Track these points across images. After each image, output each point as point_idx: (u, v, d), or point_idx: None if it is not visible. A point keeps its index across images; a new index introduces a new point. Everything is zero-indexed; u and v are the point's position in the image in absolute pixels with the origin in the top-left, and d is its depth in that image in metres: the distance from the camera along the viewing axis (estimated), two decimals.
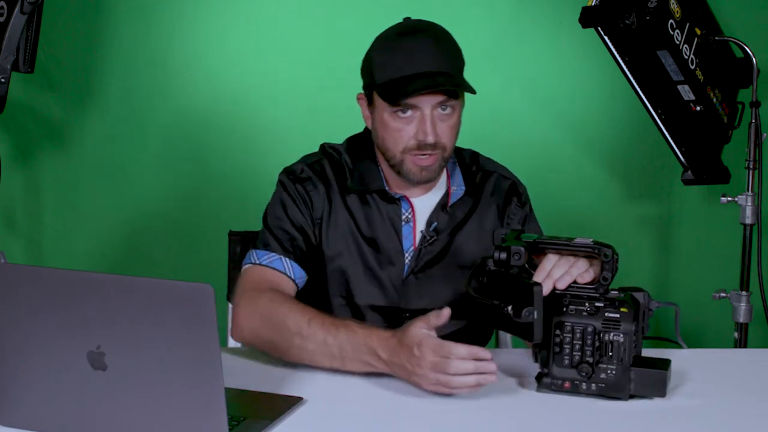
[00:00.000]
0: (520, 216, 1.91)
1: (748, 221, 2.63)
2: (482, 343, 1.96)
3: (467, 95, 1.76)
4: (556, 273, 1.51)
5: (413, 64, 1.71)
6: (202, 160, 3.03)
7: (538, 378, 1.51)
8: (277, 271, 1.77)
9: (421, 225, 1.84)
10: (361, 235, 1.83)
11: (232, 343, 1.92)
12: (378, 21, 1.86)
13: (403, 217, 1.84)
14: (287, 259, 1.78)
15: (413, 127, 1.74)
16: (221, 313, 1.43)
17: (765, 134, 2.62)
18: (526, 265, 1.53)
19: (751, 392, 1.53)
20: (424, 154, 1.74)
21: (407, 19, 1.81)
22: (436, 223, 1.84)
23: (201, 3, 2.99)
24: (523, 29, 2.99)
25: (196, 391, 1.22)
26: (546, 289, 1.48)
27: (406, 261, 1.84)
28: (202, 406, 1.23)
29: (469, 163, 1.92)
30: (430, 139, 1.72)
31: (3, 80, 2.39)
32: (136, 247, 3.09)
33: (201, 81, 3.00)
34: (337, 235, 1.83)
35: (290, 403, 1.44)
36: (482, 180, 1.91)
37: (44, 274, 1.28)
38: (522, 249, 1.50)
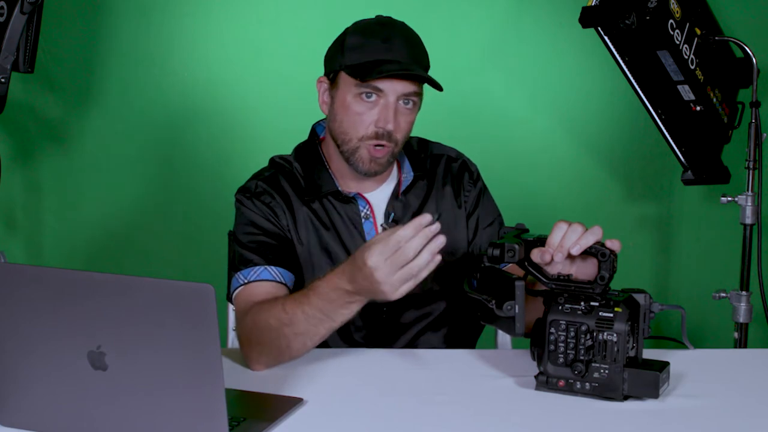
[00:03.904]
0: (473, 194, 1.91)
1: (748, 221, 2.63)
2: (472, 339, 1.97)
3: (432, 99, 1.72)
4: (567, 243, 1.49)
5: (390, 50, 1.73)
6: (203, 160, 3.03)
7: (537, 377, 1.51)
8: (266, 281, 1.73)
9: (380, 219, 1.85)
10: (327, 240, 1.82)
11: (232, 343, 1.92)
12: None
13: (362, 214, 1.84)
14: (272, 267, 1.75)
15: (375, 113, 1.74)
16: (221, 313, 1.43)
17: (765, 134, 2.62)
18: (526, 263, 1.53)
19: (751, 392, 1.53)
20: (378, 145, 1.75)
21: (380, 16, 1.82)
22: (393, 213, 1.84)
23: (201, 3, 2.99)
24: (523, 29, 2.99)
25: (196, 392, 1.22)
26: (558, 260, 1.48)
27: None
28: (202, 406, 1.23)
29: (417, 150, 1.92)
30: (390, 126, 1.73)
31: (3, 80, 2.39)
32: (136, 247, 3.09)
33: (201, 81, 3.00)
34: (305, 244, 1.82)
35: (290, 404, 1.44)
36: (433, 164, 1.92)
37: (44, 274, 1.28)
38: (516, 246, 1.50)
